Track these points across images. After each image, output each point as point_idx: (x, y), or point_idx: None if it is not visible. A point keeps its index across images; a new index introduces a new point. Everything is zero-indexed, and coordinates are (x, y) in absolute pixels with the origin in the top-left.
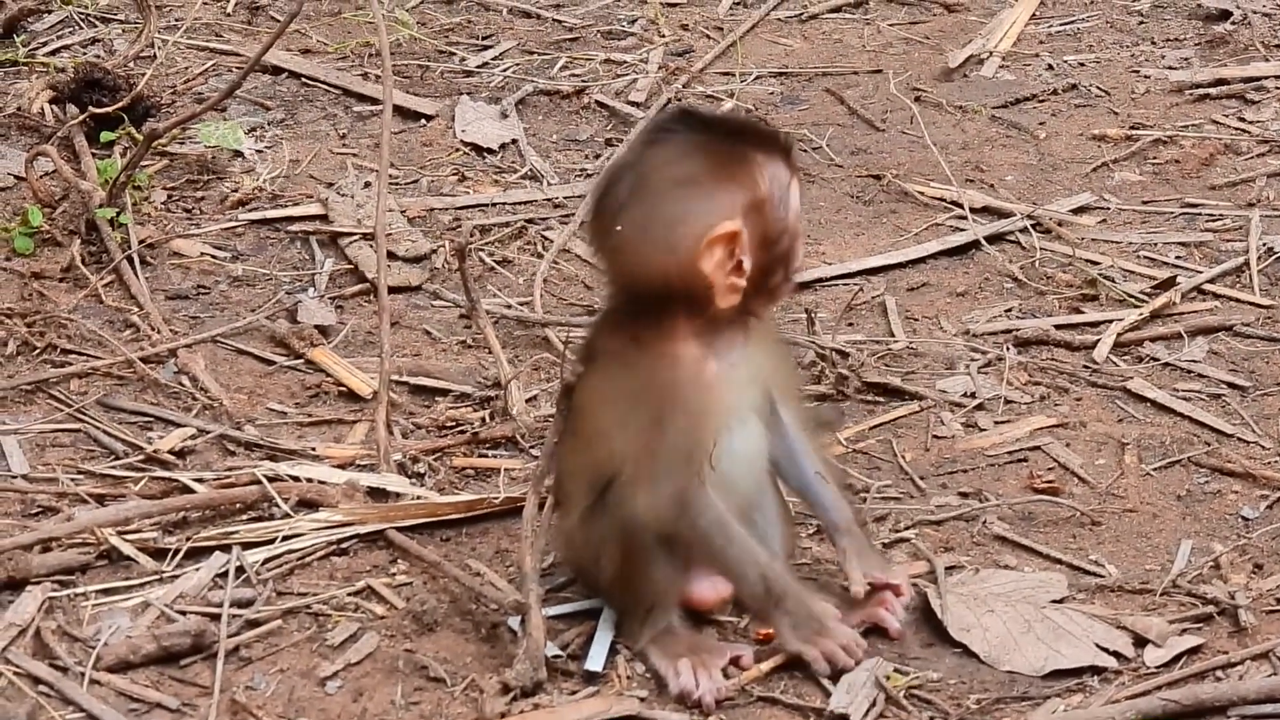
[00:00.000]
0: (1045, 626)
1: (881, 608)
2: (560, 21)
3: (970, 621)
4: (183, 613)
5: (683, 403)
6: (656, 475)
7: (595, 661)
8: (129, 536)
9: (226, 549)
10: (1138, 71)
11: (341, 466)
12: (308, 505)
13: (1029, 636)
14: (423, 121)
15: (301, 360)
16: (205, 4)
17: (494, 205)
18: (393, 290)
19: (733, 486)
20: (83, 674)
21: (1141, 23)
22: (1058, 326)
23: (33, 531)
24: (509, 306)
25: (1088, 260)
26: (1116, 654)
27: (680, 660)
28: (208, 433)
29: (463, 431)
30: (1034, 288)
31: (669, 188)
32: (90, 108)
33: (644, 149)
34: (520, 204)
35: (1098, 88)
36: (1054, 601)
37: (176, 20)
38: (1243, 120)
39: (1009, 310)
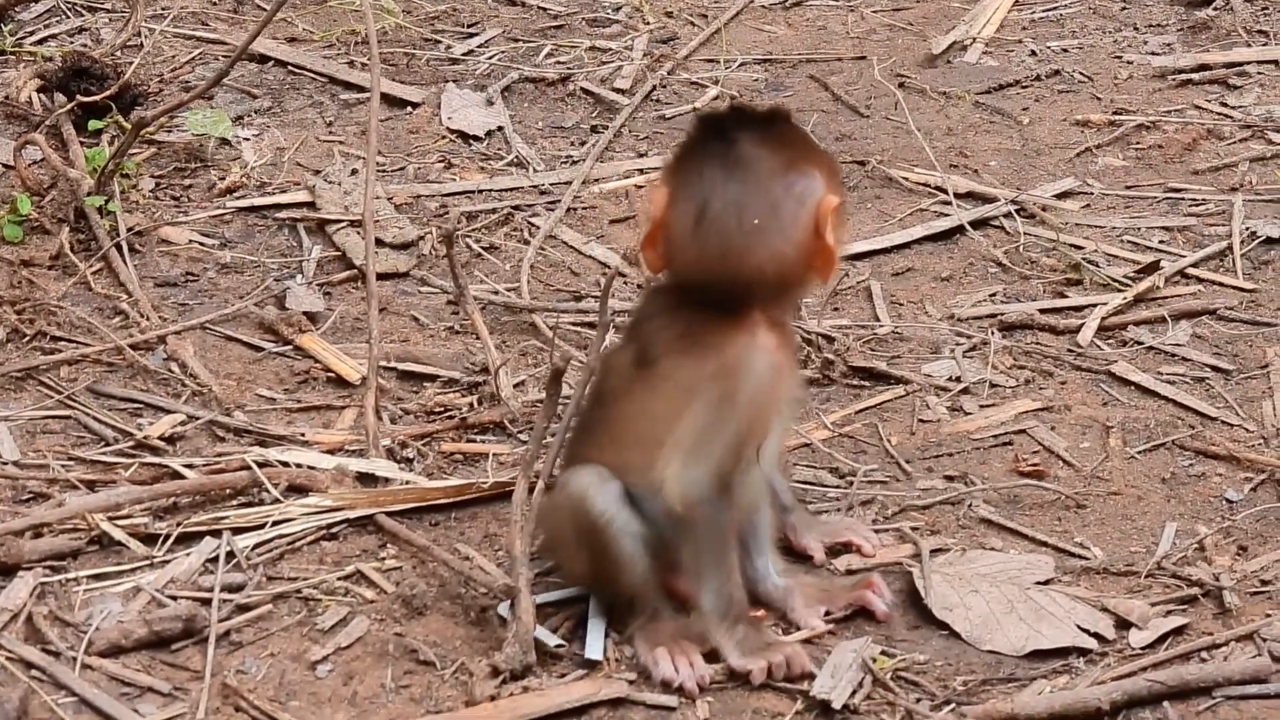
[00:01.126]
0: (1028, 607)
1: (868, 590)
2: (545, 9)
3: (954, 601)
4: (174, 597)
5: (757, 388)
6: (705, 453)
7: (594, 649)
8: (120, 522)
9: (217, 534)
10: (1120, 57)
11: (330, 452)
12: (297, 490)
13: (1011, 617)
14: (409, 109)
15: (290, 346)
16: None
17: (480, 192)
18: (380, 277)
19: (749, 486)
20: (75, 659)
21: (1124, 8)
22: (1042, 311)
23: (24, 517)
24: (496, 292)
25: (1071, 245)
26: (1097, 635)
27: (658, 650)
28: (197, 419)
29: (451, 417)
30: (1018, 272)
31: (778, 177)
32: (78, 96)
33: (723, 156)
34: (506, 190)
35: (1081, 73)
36: (1039, 583)
37: (163, 9)
38: (1225, 105)
39: (993, 295)
